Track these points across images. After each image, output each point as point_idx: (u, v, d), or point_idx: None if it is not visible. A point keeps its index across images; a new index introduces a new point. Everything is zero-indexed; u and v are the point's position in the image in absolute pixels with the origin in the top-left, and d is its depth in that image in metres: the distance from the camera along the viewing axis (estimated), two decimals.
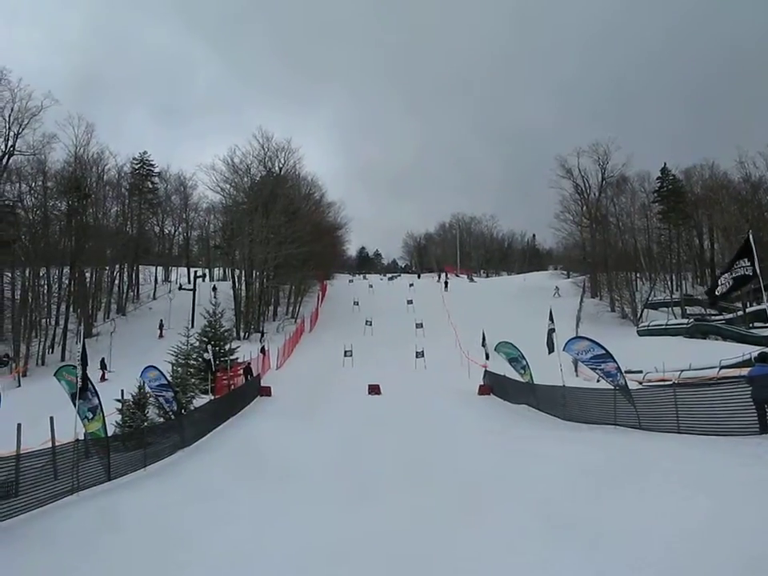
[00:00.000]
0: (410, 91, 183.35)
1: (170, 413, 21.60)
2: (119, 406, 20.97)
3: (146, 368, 21.75)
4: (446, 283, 74.85)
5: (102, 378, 38.00)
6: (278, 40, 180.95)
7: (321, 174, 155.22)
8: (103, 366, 40.52)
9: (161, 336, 52.26)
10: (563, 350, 20.98)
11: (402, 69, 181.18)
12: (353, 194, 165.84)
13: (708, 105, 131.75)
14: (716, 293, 14.87)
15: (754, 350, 32.00)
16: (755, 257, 13.70)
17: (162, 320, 55.89)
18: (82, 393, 16.56)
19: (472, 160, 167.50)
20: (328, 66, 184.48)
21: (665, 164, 72.57)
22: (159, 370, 21.79)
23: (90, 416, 16.61)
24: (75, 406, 16.33)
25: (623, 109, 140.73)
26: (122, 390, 21.30)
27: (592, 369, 19.84)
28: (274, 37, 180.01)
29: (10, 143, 53.92)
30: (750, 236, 13.96)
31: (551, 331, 24.21)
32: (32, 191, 56.61)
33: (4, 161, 54.03)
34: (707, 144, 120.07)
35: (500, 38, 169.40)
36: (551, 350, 23.85)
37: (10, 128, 53.59)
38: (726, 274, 14.45)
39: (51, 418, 14.52)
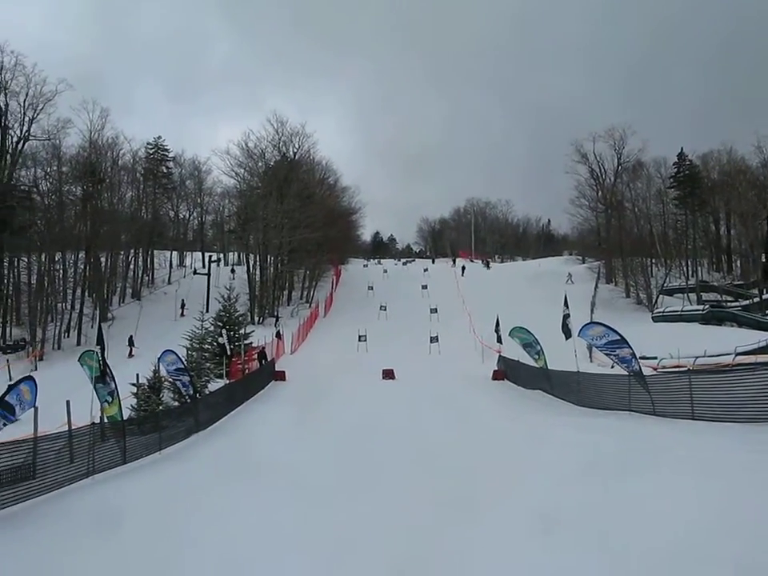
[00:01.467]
0: (433, 65, 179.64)
1: (187, 396, 21.71)
2: (134, 390, 21.10)
3: (164, 352, 21.85)
4: (463, 268, 74.74)
5: (130, 354, 41.85)
6: (294, 9, 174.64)
7: (337, 153, 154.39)
8: (131, 343, 43.79)
9: (182, 315, 52.88)
10: (578, 335, 20.95)
11: (426, 41, 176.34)
12: (370, 174, 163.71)
13: (727, 88, 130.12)
14: None
15: None
16: None
17: (183, 300, 56.55)
18: (101, 377, 16.73)
19: (492, 143, 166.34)
20: (347, 38, 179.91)
21: (681, 149, 72.09)
22: (176, 354, 21.91)
23: (109, 400, 16.80)
24: (95, 389, 16.49)
25: (640, 94, 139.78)
26: (137, 375, 21.41)
27: (606, 354, 19.78)
28: (289, 6, 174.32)
29: (24, 128, 54.06)
30: None
31: (566, 317, 24.13)
32: (47, 176, 56.86)
33: (19, 146, 54.20)
34: (725, 129, 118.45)
35: (525, 9, 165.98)
36: (568, 335, 23.77)
37: (24, 113, 53.73)
38: None
39: (68, 402, 14.64)
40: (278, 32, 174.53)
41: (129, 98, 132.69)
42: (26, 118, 53.91)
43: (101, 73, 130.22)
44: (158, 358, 22.01)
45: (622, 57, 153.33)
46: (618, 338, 18.51)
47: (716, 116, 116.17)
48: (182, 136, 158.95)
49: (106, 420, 16.38)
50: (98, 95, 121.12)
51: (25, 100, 53.42)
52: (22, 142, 54.18)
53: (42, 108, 54.13)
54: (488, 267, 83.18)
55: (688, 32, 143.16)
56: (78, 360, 17.87)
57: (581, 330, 20.54)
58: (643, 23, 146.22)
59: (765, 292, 51.54)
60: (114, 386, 16.61)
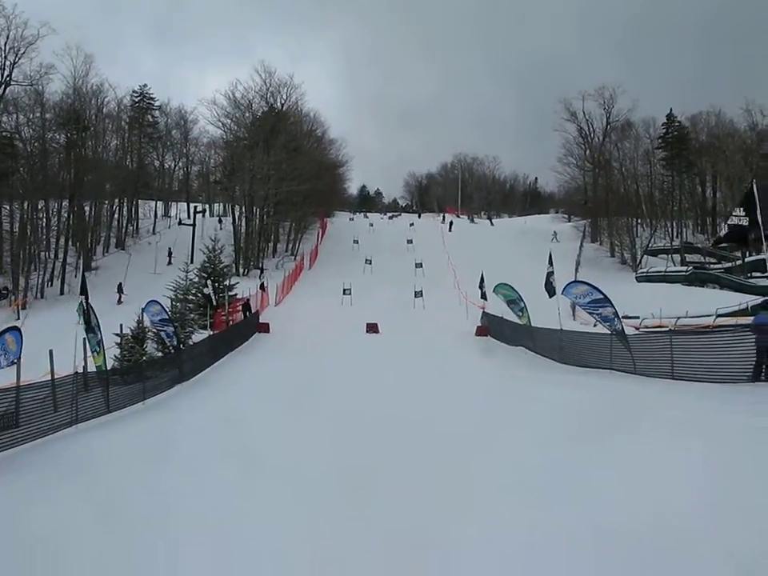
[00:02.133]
0: (421, 21, 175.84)
1: (171, 347, 21.74)
2: (118, 340, 21.11)
3: (148, 302, 21.84)
4: (451, 224, 74.71)
5: (119, 301, 42.89)
6: None
7: (325, 102, 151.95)
8: (120, 290, 45.04)
9: (169, 263, 52.77)
10: (562, 293, 21.07)
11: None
12: (358, 126, 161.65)
13: (718, 49, 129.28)
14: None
15: (751, 300, 32.13)
16: (758, 207, 13.63)
17: (170, 248, 56.58)
18: (90, 326, 16.78)
19: (482, 99, 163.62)
20: None
21: (671, 110, 71.69)
22: (161, 305, 21.89)
23: (97, 349, 16.87)
24: (87, 339, 16.55)
25: (632, 53, 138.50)
26: (121, 325, 21.40)
27: (590, 313, 19.94)
28: None
29: (6, 73, 52.84)
30: (755, 186, 13.88)
31: (550, 274, 24.26)
32: (30, 123, 55.62)
33: (0, 91, 53.19)
34: (714, 91, 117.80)
35: None
36: (551, 293, 23.93)
37: (5, 57, 52.47)
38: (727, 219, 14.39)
39: (50, 351, 14.62)
40: None
41: (113, 44, 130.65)
42: (7, 62, 52.70)
43: (83, 17, 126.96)
44: (143, 309, 21.99)
45: (614, 16, 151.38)
46: (602, 296, 18.63)
47: (706, 78, 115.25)
48: (168, 84, 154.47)
49: (94, 368, 16.46)
50: (80, 41, 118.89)
51: (6, 43, 52.22)
52: (3, 86, 52.98)
53: (24, 52, 52.85)
54: (473, 222, 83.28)
55: None
56: (76, 310, 17.86)
57: (565, 288, 20.64)
58: None
59: (747, 255, 51.83)
60: (100, 336, 16.65)
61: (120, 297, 44.08)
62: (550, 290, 24.08)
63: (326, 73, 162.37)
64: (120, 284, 46.08)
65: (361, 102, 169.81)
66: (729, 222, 13.96)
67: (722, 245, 52.76)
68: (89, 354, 16.70)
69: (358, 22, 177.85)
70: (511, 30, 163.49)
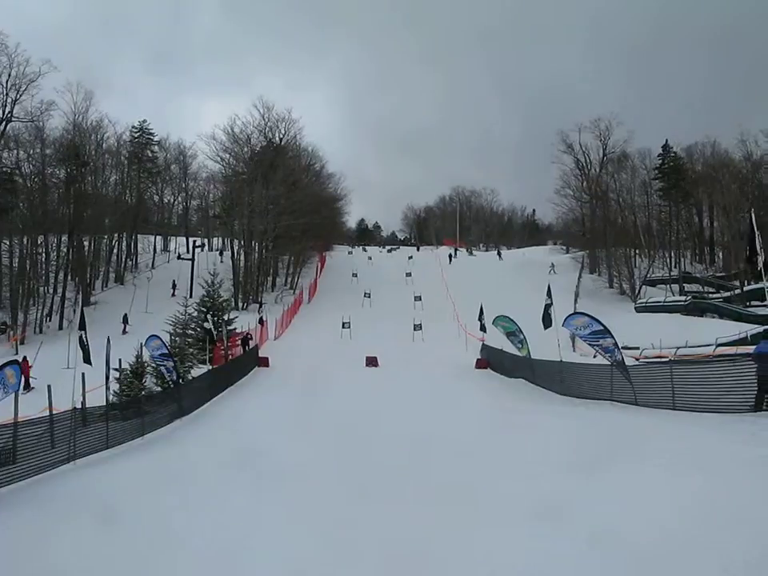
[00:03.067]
0: (425, 42, 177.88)
1: (170, 382, 21.67)
2: (117, 375, 21.04)
3: (149, 337, 21.80)
4: (450, 256, 74.98)
5: (124, 332, 43.18)
6: None
7: (325, 129, 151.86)
8: (125, 321, 45.93)
9: (173, 295, 52.91)
10: (562, 325, 21.04)
11: (418, 15, 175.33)
12: (358, 156, 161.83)
13: (711, 82, 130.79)
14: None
15: (750, 329, 32.11)
16: (757, 236, 13.64)
17: (174, 281, 57.30)
18: (87, 357, 16.81)
19: (482, 131, 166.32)
20: (336, 9, 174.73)
21: (666, 141, 72.53)
22: (161, 340, 21.87)
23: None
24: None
25: (627, 86, 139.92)
26: (120, 360, 21.34)
27: (590, 345, 19.87)
28: None
29: (7, 110, 53.32)
30: (753, 215, 13.91)
31: (548, 306, 24.26)
32: (30, 158, 56.00)
33: (1, 127, 53.49)
34: (709, 122, 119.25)
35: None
36: (547, 325, 23.91)
37: (7, 94, 52.98)
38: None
39: (49, 386, 14.60)
40: (263, 3, 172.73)
41: (109, 73, 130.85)
42: (9, 99, 53.21)
43: (81, 49, 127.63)
44: (142, 344, 21.95)
45: (616, 48, 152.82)
46: (602, 328, 18.61)
47: (700, 109, 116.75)
48: (166, 113, 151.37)
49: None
50: (79, 72, 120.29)
51: (7, 81, 52.75)
52: (4, 123, 53.43)
53: (26, 89, 53.40)
54: (471, 254, 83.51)
55: (678, 27, 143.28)
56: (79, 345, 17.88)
57: (565, 319, 20.64)
58: (638, 15, 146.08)
59: (746, 284, 51.91)
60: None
61: (125, 327, 44.82)
62: (547, 322, 24.06)
63: (325, 100, 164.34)
64: (125, 315, 46.95)
65: (361, 130, 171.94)
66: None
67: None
68: (78, 390, 16.59)
69: (359, 48, 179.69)
70: (513, 61, 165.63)
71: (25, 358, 29.73)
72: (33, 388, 25.83)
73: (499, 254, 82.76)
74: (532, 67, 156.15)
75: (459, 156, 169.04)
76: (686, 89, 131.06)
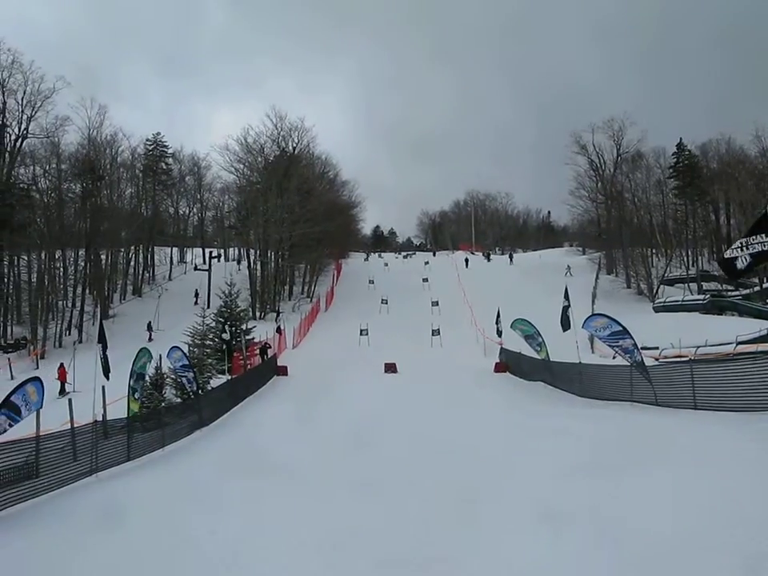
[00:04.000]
0: (440, 41, 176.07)
1: (191, 392, 21.73)
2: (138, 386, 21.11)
3: (171, 348, 21.89)
4: (467, 260, 74.95)
5: (150, 339, 44.70)
6: None
7: (339, 136, 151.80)
8: (150, 328, 48.25)
9: (196, 303, 53.72)
10: (582, 327, 20.96)
11: (432, 12, 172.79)
12: (372, 160, 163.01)
13: (725, 79, 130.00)
14: (736, 268, 14.18)
15: None
16: None
17: (197, 289, 58.08)
18: (107, 372, 16.88)
19: (497, 132, 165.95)
20: (349, 7, 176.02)
21: (680, 139, 71.99)
22: (182, 351, 21.98)
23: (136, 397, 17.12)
24: (129, 385, 16.72)
25: (640, 84, 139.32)
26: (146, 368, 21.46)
27: (610, 346, 19.72)
28: None
29: (23, 126, 54.07)
30: None
31: (566, 308, 24.16)
32: (46, 174, 56.78)
33: (18, 144, 54.15)
34: (723, 119, 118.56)
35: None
36: (566, 327, 23.81)
37: (23, 111, 53.77)
38: (740, 249, 13.97)
39: (70, 400, 14.66)
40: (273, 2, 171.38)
41: (119, 81, 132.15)
42: (24, 116, 54.01)
43: (88, 54, 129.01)
44: (167, 355, 22.03)
45: (628, 46, 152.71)
46: (621, 328, 18.49)
47: (714, 106, 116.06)
48: (177, 119, 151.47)
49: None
50: (87, 78, 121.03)
51: (23, 98, 53.53)
52: (20, 140, 54.20)
53: (41, 106, 54.23)
54: (488, 259, 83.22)
55: (690, 24, 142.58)
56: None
57: (585, 321, 20.55)
58: (650, 14, 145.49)
59: (765, 281, 51.49)
60: (130, 381, 16.81)
61: (150, 335, 46.66)
62: (565, 324, 23.97)
63: (338, 102, 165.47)
64: (149, 323, 48.89)
65: (374, 133, 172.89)
66: (752, 252, 13.39)
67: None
68: (99, 402, 16.66)
69: (373, 46, 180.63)
70: (528, 61, 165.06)
71: (62, 364, 32.20)
72: (68, 393, 27.70)
73: (511, 257, 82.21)
74: (543, 70, 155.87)
75: (474, 159, 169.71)
76: (699, 86, 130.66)
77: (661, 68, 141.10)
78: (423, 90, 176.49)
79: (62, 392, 29.53)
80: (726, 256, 13.69)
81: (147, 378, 17.73)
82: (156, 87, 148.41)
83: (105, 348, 17.60)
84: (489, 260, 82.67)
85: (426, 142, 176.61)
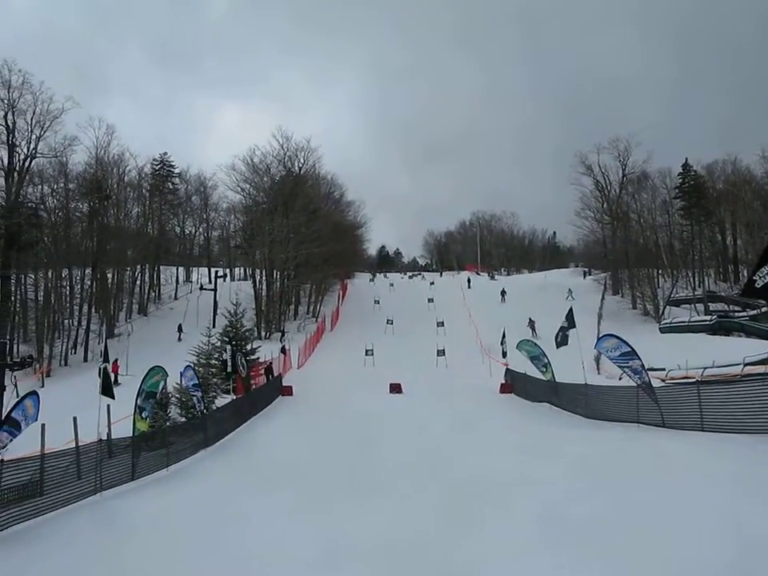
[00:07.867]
0: (463, 23, 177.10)
1: (199, 412, 21.70)
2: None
3: (186, 367, 21.94)
4: (469, 280, 75.01)
5: (179, 339, 49.70)
6: None
7: (350, 136, 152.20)
8: (180, 330, 52.38)
9: (179, 340, 52.77)
10: (594, 347, 20.96)
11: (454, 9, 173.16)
12: (383, 162, 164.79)
13: (730, 100, 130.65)
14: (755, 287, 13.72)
15: None
16: None
17: (180, 324, 56.90)
18: (107, 391, 16.82)
19: (505, 148, 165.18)
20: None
21: (686, 159, 72.24)
22: (193, 370, 22.04)
23: (145, 415, 17.05)
24: (136, 403, 16.67)
25: (647, 105, 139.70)
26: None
27: (620, 366, 19.65)
28: None
29: (32, 146, 54.24)
30: None
31: (563, 328, 24.24)
32: (54, 193, 57.28)
33: (26, 163, 54.44)
34: (729, 140, 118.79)
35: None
36: (559, 345, 23.99)
37: (32, 131, 53.95)
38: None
39: (74, 418, 14.66)
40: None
41: (123, 76, 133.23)
42: (33, 136, 54.16)
43: (91, 54, 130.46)
44: (182, 374, 22.03)
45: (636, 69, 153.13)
46: (630, 349, 18.46)
47: (720, 126, 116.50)
48: (179, 120, 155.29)
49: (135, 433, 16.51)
50: (89, 81, 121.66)
51: (32, 118, 53.69)
52: (29, 159, 54.39)
53: (49, 126, 54.43)
54: (493, 278, 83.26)
55: (695, 44, 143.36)
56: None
57: (597, 342, 20.55)
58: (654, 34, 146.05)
59: None
60: (137, 400, 16.76)
61: (180, 335, 50.59)
62: (561, 341, 24.12)
63: (349, 97, 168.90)
64: (180, 324, 53.03)
65: (387, 131, 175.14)
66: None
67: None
68: (104, 421, 16.62)
69: (389, 32, 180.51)
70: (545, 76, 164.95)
71: (116, 360, 36.58)
72: (120, 384, 30.82)
73: (468, 282, 76.11)
74: (550, 88, 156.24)
75: (488, 168, 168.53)
76: (706, 107, 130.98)
77: (667, 88, 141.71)
78: (443, 81, 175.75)
79: (116, 383, 30.67)
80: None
81: (158, 396, 17.66)
82: (154, 81, 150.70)
83: (107, 367, 17.59)
84: (494, 279, 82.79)
85: (439, 145, 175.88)
